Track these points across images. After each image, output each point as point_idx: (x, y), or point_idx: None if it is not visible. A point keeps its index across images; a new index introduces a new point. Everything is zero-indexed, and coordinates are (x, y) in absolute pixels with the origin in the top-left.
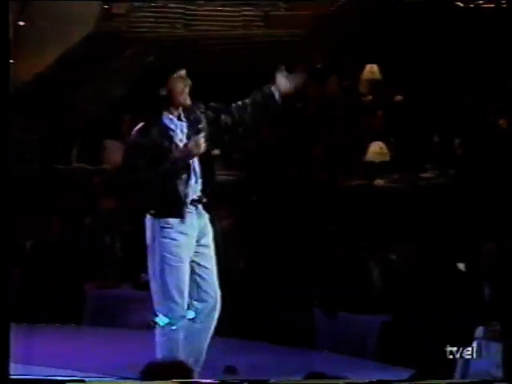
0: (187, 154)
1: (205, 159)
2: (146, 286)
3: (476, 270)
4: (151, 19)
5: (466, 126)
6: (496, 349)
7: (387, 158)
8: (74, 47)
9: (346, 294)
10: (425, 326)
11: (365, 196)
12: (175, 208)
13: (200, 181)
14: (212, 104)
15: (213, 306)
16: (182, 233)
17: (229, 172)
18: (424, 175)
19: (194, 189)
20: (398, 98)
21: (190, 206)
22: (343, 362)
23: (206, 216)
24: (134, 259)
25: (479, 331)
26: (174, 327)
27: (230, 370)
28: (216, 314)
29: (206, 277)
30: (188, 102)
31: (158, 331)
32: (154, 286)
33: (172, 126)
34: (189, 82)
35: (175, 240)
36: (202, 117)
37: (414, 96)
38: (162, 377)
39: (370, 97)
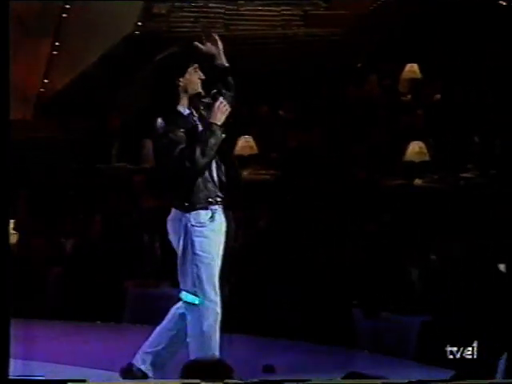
0: (219, 113)
1: (225, 158)
2: None
3: None
4: (191, 19)
5: (507, 126)
6: None
7: (427, 158)
8: (115, 47)
9: (386, 293)
10: (465, 326)
11: (404, 196)
12: (210, 195)
13: (218, 179)
14: (213, 91)
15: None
16: (213, 231)
17: (267, 171)
18: (464, 175)
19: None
20: (438, 97)
21: (217, 206)
22: (382, 362)
23: (223, 215)
24: (174, 258)
25: None
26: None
27: (269, 368)
28: None
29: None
30: (201, 91)
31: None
32: (186, 285)
33: (188, 117)
34: (202, 75)
35: (207, 238)
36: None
37: (454, 95)
38: (201, 375)
39: (410, 96)
